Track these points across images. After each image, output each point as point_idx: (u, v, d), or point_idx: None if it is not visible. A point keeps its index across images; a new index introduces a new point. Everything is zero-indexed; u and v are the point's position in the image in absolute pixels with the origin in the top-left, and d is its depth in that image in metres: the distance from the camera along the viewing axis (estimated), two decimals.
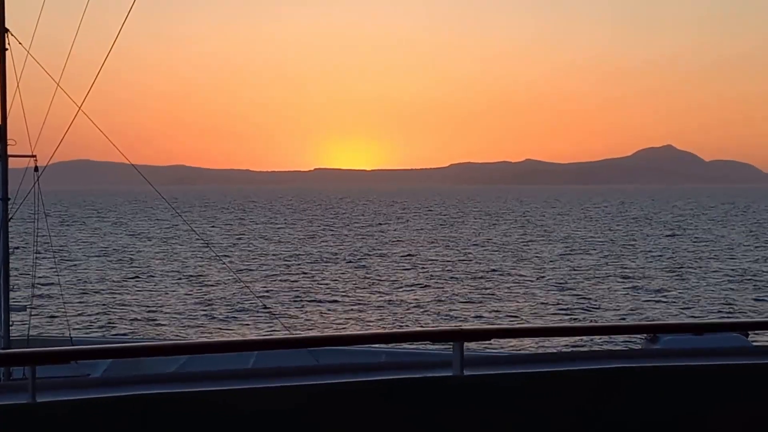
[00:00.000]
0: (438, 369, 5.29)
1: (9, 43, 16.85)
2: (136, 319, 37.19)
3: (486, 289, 46.86)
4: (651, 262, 61.53)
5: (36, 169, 17.76)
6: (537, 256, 66.28)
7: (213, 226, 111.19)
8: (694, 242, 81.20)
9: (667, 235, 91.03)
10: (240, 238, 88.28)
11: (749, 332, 9.08)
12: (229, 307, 39.82)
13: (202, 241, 57.31)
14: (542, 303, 41.72)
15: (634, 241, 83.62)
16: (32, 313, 22.36)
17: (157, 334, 33.84)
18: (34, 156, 17.79)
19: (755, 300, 42.73)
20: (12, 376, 14.32)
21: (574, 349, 22.84)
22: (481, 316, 38.15)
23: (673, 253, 68.97)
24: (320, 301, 42.29)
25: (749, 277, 51.61)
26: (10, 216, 16.93)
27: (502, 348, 23.66)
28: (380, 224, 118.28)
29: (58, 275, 43.06)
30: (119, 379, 4.98)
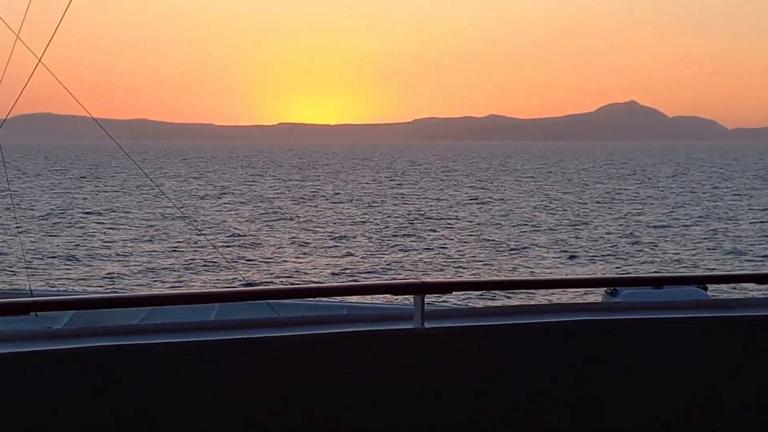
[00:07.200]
0: (399, 322, 5.30)
1: None
2: (98, 272, 37.04)
3: (448, 244, 47.01)
4: (612, 216, 61.94)
5: None
6: (499, 212, 66.57)
7: (173, 179, 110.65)
8: (651, 197, 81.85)
9: (623, 190, 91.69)
10: (199, 192, 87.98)
11: (708, 285, 9.14)
12: (190, 260, 39.73)
13: (163, 195, 57.33)
14: (503, 258, 41.94)
15: (595, 196, 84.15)
16: None
17: (120, 287, 33.72)
18: None
19: (714, 254, 43.15)
20: None
21: (533, 302, 23.00)
22: (442, 271, 38.31)
23: (630, 206, 69.50)
24: (282, 255, 42.28)
25: (709, 231, 52.09)
26: None
27: (463, 303, 23.79)
28: (346, 183, 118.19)
29: (18, 229, 42.71)
30: (80, 331, 4.94)
